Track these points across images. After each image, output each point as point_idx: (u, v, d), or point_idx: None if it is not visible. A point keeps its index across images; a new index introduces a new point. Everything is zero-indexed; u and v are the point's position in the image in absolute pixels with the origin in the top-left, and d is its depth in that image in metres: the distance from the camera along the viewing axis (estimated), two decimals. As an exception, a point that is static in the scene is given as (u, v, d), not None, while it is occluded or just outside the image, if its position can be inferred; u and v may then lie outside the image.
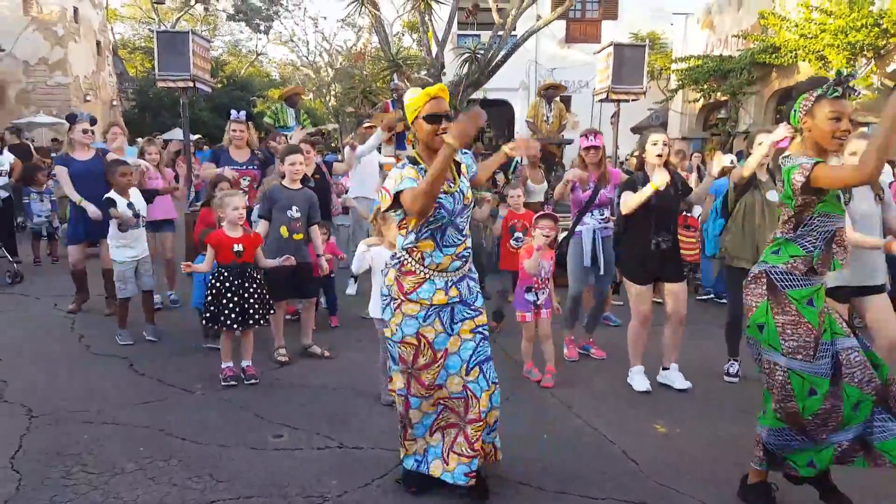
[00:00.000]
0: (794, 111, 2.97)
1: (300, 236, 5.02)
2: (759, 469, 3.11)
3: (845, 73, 2.86)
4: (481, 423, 3.01)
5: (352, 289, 7.12)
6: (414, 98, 2.98)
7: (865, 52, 10.40)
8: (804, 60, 11.53)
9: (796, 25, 11.44)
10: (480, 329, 3.10)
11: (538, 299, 4.84)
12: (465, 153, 3.19)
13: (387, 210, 3.01)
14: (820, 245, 2.88)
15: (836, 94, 2.82)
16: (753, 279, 3.05)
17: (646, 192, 4.29)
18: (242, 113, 6.43)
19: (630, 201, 4.39)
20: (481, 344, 3.07)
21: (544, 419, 4.13)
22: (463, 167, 3.11)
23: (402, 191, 2.85)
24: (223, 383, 4.56)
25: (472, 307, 3.10)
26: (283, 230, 4.96)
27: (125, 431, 3.83)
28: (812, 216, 2.87)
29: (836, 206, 2.88)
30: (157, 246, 6.59)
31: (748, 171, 4.60)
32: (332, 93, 25.95)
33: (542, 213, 5.02)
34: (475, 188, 3.33)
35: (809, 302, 2.88)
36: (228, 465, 3.44)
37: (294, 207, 4.98)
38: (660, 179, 4.23)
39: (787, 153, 3.01)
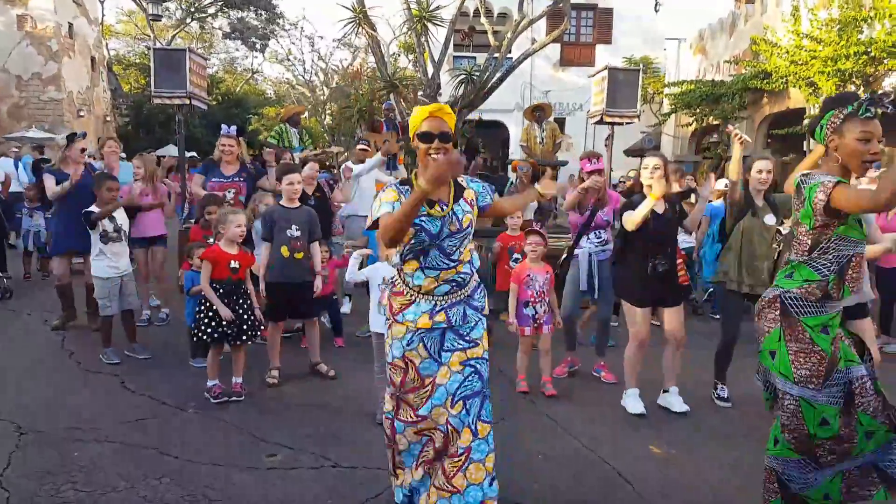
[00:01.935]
0: (821, 127, 2.81)
1: (301, 255, 5.00)
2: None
3: (880, 92, 2.69)
4: (459, 460, 2.90)
5: (346, 307, 7.10)
6: (413, 115, 2.96)
7: (854, 80, 10.54)
8: (795, 86, 11.67)
9: (787, 52, 11.59)
10: (473, 362, 2.95)
11: (536, 313, 4.86)
12: (477, 181, 3.08)
13: (368, 229, 3.01)
14: (835, 269, 2.76)
15: (867, 114, 2.66)
16: (767, 304, 2.92)
17: (647, 205, 4.31)
18: (233, 128, 6.48)
19: (634, 216, 4.38)
20: (470, 378, 2.93)
21: (540, 439, 4.12)
22: (469, 193, 2.98)
23: (378, 217, 2.83)
24: (213, 401, 4.52)
25: (466, 338, 2.96)
26: (284, 250, 4.94)
27: (117, 449, 3.78)
28: (830, 239, 2.74)
29: (856, 230, 2.74)
30: (150, 262, 6.61)
31: (733, 190, 4.76)
32: (328, 112, 26.05)
33: (530, 228, 5.05)
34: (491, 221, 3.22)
35: (824, 329, 2.77)
36: (222, 485, 3.40)
37: (294, 226, 4.97)
38: (658, 189, 4.26)
39: (808, 171, 2.90)
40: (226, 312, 4.50)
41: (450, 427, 2.92)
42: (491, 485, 2.93)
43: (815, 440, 2.77)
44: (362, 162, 7.47)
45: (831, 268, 2.76)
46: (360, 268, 4.38)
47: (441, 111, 2.92)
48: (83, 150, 6.36)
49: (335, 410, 4.49)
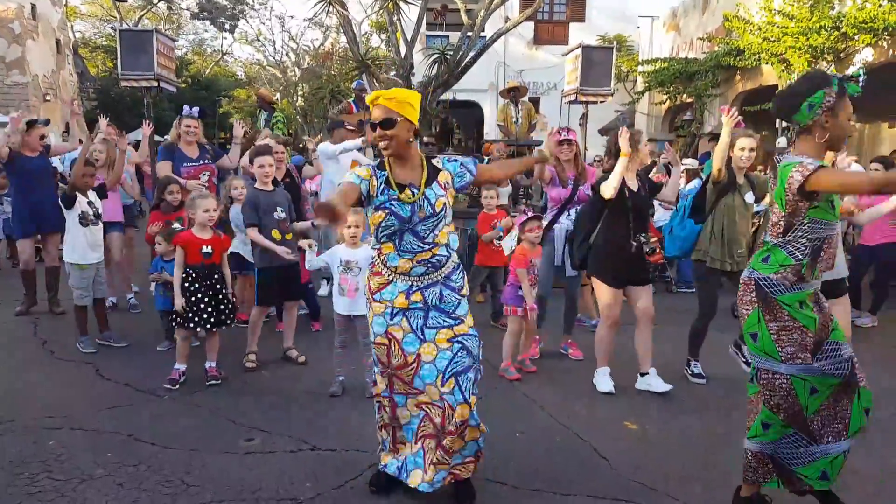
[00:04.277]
0: (811, 106, 2.72)
1: (290, 236, 4.97)
2: (751, 483, 2.99)
3: (854, 64, 2.78)
4: (457, 435, 2.97)
5: (325, 290, 7.08)
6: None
7: (826, 56, 10.64)
8: (767, 63, 11.75)
9: (759, 29, 11.65)
10: (461, 338, 2.98)
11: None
12: (455, 160, 3.10)
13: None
14: (808, 253, 2.77)
15: (859, 91, 2.70)
16: (743, 286, 2.93)
17: (621, 164, 4.36)
18: (196, 109, 6.36)
19: (611, 180, 4.39)
20: (459, 354, 2.96)
21: (517, 418, 4.16)
22: (443, 175, 3.00)
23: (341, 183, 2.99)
24: (165, 385, 4.50)
25: (451, 315, 2.99)
26: (275, 233, 4.89)
27: (93, 437, 3.75)
28: (803, 222, 2.77)
29: (827, 213, 2.75)
30: (110, 248, 6.50)
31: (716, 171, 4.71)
32: (300, 93, 25.75)
33: (532, 215, 5.03)
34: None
35: (801, 304, 2.79)
36: (199, 470, 3.39)
37: (279, 209, 4.93)
38: (625, 146, 4.34)
39: (786, 151, 2.97)
40: (178, 302, 4.49)
41: (446, 404, 2.96)
42: (481, 440, 3.07)
43: (808, 412, 2.79)
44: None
45: (805, 251, 2.78)
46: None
47: (379, 98, 2.91)
48: (42, 136, 6.36)
49: (313, 394, 4.49)
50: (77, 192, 5.18)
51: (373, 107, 2.91)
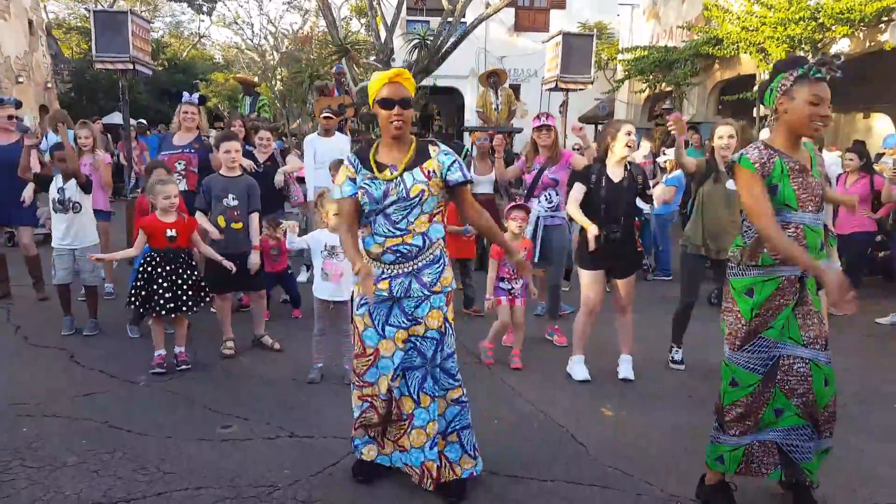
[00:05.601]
0: (771, 90, 2.76)
1: (239, 226, 4.88)
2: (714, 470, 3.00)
3: (831, 54, 2.72)
4: (403, 424, 3.03)
5: (304, 276, 7.04)
6: (372, 81, 2.95)
7: (804, 46, 10.72)
8: (745, 52, 11.82)
9: (738, 18, 11.71)
10: (413, 339, 2.96)
11: (512, 287, 4.90)
12: (449, 154, 2.97)
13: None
14: (752, 235, 2.81)
15: (818, 74, 2.64)
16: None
17: (584, 226, 4.45)
18: (196, 95, 6.23)
19: (572, 213, 4.57)
20: (410, 353, 2.97)
21: (495, 404, 4.17)
22: (431, 163, 2.92)
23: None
24: (150, 371, 4.48)
25: (409, 316, 2.95)
26: (221, 220, 4.84)
27: (67, 424, 3.71)
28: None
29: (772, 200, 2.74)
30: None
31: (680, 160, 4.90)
32: (279, 77, 25.46)
33: (514, 203, 5.02)
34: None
35: (748, 292, 2.80)
36: (175, 457, 3.36)
37: (231, 195, 4.84)
38: (592, 233, 4.39)
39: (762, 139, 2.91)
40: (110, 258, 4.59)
41: (391, 395, 3.03)
42: (431, 448, 2.98)
43: (723, 401, 2.88)
44: (328, 132, 7.31)
45: (750, 234, 2.83)
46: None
47: (401, 76, 2.91)
48: (10, 117, 6.07)
49: (291, 381, 4.47)
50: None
51: (391, 83, 2.85)
